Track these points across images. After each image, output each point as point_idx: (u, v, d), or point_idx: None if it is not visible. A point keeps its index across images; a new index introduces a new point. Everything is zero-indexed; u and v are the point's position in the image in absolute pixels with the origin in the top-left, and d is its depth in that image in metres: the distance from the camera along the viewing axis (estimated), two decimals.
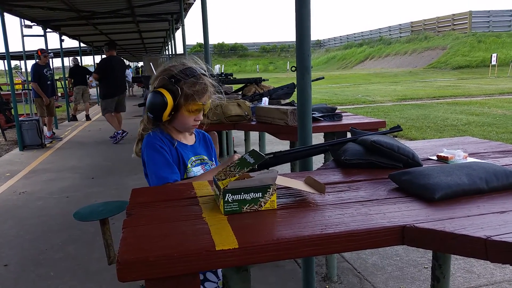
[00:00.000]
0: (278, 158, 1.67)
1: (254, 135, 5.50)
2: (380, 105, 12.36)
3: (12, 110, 8.32)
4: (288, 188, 1.20)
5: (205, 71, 1.61)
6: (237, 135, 6.35)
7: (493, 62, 23.79)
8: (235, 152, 6.15)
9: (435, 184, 1.12)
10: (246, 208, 1.05)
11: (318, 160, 2.70)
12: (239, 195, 1.04)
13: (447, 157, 1.54)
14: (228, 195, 1.03)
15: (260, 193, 1.05)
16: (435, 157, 1.60)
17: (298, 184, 1.15)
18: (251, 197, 1.04)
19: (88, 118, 12.01)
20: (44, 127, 8.68)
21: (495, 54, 24.50)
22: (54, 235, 3.66)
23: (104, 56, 8.46)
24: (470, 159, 1.53)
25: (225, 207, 1.03)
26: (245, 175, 1.08)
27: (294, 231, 0.91)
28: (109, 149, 7.63)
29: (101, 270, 2.92)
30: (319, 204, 1.10)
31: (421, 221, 0.96)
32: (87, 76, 11.33)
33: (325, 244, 0.90)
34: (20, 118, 7.87)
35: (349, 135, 2.55)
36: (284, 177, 1.16)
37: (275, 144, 6.24)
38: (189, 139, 1.71)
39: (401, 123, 8.58)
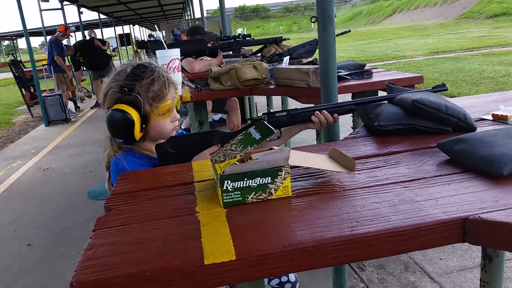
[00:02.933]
0: (292, 117, 1.43)
1: (277, 100, 5.21)
2: (411, 60, 11.70)
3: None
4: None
5: (154, 62, 1.35)
6: (260, 100, 6.06)
7: None
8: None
9: (501, 155, 0.84)
10: (252, 198, 0.80)
11: (345, 129, 2.43)
12: (242, 182, 0.79)
13: (506, 116, 1.23)
14: (227, 182, 0.79)
15: (269, 178, 0.80)
16: (490, 117, 1.30)
17: (319, 162, 0.89)
18: (258, 183, 0.80)
19: None
20: (69, 101, 8.65)
21: None
22: (77, 212, 3.59)
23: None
24: None
25: (224, 197, 0.79)
26: (249, 155, 0.83)
27: (313, 232, 0.67)
28: None
29: None
30: (347, 188, 0.84)
31: (489, 209, 0.70)
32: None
33: (356, 248, 0.65)
34: (43, 94, 7.83)
35: (382, 95, 2.25)
36: (300, 153, 0.89)
37: (299, 107, 5.91)
38: None
39: (435, 78, 8.06)
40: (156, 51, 2.49)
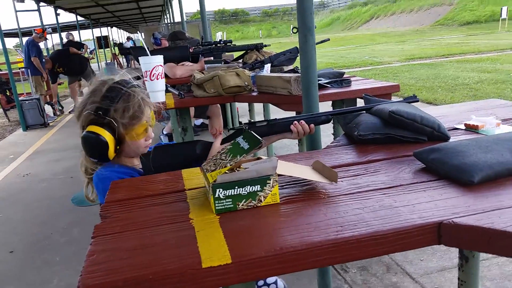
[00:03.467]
0: (271, 127, 1.48)
1: (258, 105, 5.27)
2: (388, 66, 11.96)
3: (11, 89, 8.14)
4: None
5: (130, 80, 1.35)
6: (241, 105, 6.11)
7: (503, 16, 22.84)
8: (240, 123, 5.94)
9: (472, 164, 0.91)
10: (242, 205, 0.86)
11: (325, 134, 2.50)
12: (233, 190, 0.84)
13: (477, 125, 1.32)
14: (219, 191, 0.84)
15: (259, 186, 0.85)
16: (462, 126, 1.39)
17: (304, 173, 0.95)
18: (248, 191, 0.85)
19: None
20: (46, 105, 8.51)
21: (505, 7, 23.48)
22: (59, 218, 3.56)
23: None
24: (503, 127, 1.32)
25: (217, 205, 0.84)
26: (238, 164, 0.88)
27: (302, 236, 0.72)
28: None
29: None
30: (331, 195, 0.90)
31: (461, 214, 0.77)
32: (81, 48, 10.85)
33: (341, 251, 0.71)
34: (20, 98, 7.68)
35: (360, 102, 2.33)
36: (286, 163, 0.95)
37: (280, 114, 6.00)
38: None
39: (411, 84, 8.27)
40: (139, 58, 2.51)
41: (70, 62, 8.81)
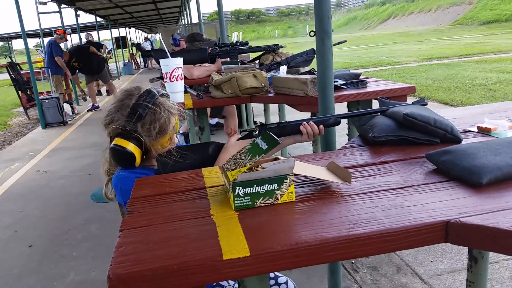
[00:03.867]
0: (282, 129, 1.52)
1: (273, 105, 5.32)
2: (405, 66, 11.87)
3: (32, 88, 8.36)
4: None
5: (154, 92, 1.36)
6: (257, 105, 6.17)
7: None
8: (255, 122, 6.00)
9: (482, 166, 0.95)
10: (260, 202, 0.91)
11: (340, 134, 2.53)
12: (251, 188, 0.89)
13: (490, 128, 1.35)
14: (239, 189, 0.89)
15: (276, 185, 0.90)
16: (475, 129, 1.41)
17: (319, 173, 0.99)
18: (265, 189, 0.90)
19: (108, 93, 11.99)
20: (65, 104, 8.71)
21: None
22: (77, 214, 3.66)
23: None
24: None
25: (236, 201, 0.90)
26: (257, 163, 0.93)
27: (316, 232, 0.77)
28: None
29: None
30: (345, 194, 0.95)
31: (468, 214, 0.81)
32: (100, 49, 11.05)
33: (353, 247, 0.75)
34: (40, 97, 7.88)
35: (376, 104, 2.36)
36: (302, 163, 1.00)
37: (295, 114, 6.05)
38: None
39: (428, 84, 8.21)
40: (160, 60, 2.59)
41: (89, 61, 9.03)
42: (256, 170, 0.93)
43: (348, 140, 2.69)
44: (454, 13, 32.03)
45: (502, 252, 0.73)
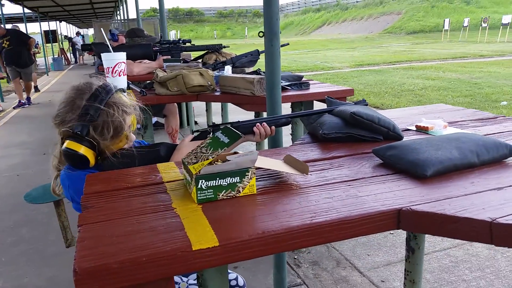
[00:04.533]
0: (237, 129, 1.53)
1: (216, 105, 5.32)
2: (338, 71, 12.38)
3: None
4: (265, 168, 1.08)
5: (107, 89, 1.29)
6: (198, 104, 6.13)
7: (446, 27, 24.32)
8: (196, 123, 5.96)
9: (425, 160, 1.03)
10: (222, 195, 0.92)
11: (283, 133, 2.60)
12: (214, 181, 0.90)
13: (427, 127, 1.46)
14: (202, 182, 0.90)
15: (238, 178, 0.92)
16: (414, 127, 1.53)
17: (278, 165, 1.03)
18: (228, 182, 0.91)
19: (36, 89, 11.28)
20: None
21: (447, 19, 25.03)
22: (5, 217, 3.42)
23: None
24: (450, 129, 1.47)
25: (199, 195, 0.90)
26: (220, 157, 0.95)
27: (281, 221, 0.80)
28: None
29: (58, 254, 2.74)
30: (302, 186, 0.99)
31: (417, 203, 0.88)
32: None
33: (316, 234, 0.79)
34: None
35: (317, 104, 2.45)
36: (261, 157, 1.03)
37: (238, 114, 6.08)
38: None
39: (360, 89, 8.62)
40: (102, 54, 2.50)
41: (20, 51, 8.47)
42: (217, 164, 0.94)
43: (291, 139, 2.78)
44: (384, 22, 33.93)
45: (449, 235, 0.80)
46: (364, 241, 2.71)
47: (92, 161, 1.24)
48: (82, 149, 1.22)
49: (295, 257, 2.56)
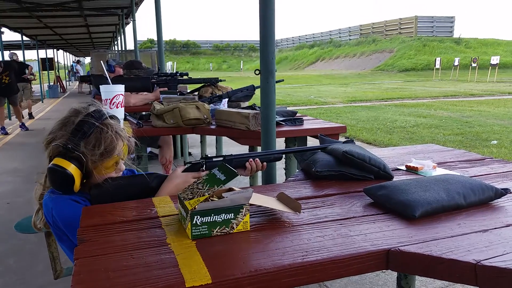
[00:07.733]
0: (227, 162, 1.54)
1: (210, 137, 5.36)
2: (331, 106, 12.57)
3: None
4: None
5: (103, 112, 1.30)
6: (192, 135, 6.17)
7: (437, 66, 24.95)
8: (190, 154, 5.98)
9: (414, 201, 1.06)
10: (216, 231, 0.94)
11: (278, 167, 2.63)
12: (209, 217, 0.93)
13: (417, 167, 1.50)
14: (197, 217, 0.92)
15: (232, 214, 0.95)
16: (404, 167, 1.57)
17: (271, 203, 1.05)
18: (222, 218, 0.94)
19: (31, 116, 11.31)
20: None
21: (439, 58, 25.71)
22: None
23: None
24: (439, 170, 1.51)
25: (193, 231, 0.92)
26: (217, 193, 0.97)
27: (273, 260, 0.82)
28: None
29: (46, 285, 2.70)
30: (295, 224, 1.01)
31: (405, 243, 0.90)
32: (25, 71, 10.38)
33: (307, 273, 0.81)
34: None
35: (311, 141, 2.50)
36: (256, 194, 1.06)
37: (232, 146, 6.13)
38: None
39: (353, 125, 8.74)
40: (101, 86, 2.54)
41: (16, 81, 8.55)
42: (212, 200, 0.97)
43: (285, 173, 2.81)
44: (376, 59, 34.74)
45: (435, 277, 0.82)
46: (356, 279, 2.69)
47: (77, 183, 1.21)
48: (71, 167, 1.19)
49: None
